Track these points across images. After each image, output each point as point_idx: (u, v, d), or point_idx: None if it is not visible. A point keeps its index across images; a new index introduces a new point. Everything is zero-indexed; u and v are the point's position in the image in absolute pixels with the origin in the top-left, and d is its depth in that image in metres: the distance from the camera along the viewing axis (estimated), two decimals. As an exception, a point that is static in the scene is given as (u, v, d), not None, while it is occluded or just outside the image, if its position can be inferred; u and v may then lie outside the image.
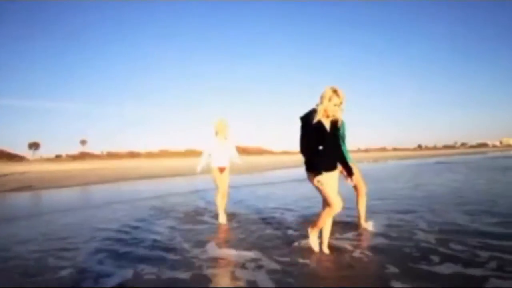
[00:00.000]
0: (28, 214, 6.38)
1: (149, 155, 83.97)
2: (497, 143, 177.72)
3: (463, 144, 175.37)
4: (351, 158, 3.93)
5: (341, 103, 2.95)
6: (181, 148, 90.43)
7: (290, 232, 4.15)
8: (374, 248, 3.33)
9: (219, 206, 5.06)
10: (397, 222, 4.41)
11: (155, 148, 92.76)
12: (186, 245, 3.68)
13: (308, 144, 3.00)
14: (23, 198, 9.58)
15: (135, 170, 23.17)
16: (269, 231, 4.23)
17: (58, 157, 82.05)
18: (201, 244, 3.72)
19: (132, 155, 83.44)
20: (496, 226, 4.00)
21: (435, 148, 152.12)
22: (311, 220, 4.78)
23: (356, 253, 3.17)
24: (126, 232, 4.43)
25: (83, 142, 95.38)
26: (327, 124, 3.03)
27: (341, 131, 3.91)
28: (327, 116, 3.00)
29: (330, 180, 3.04)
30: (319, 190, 3.01)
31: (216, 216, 5.13)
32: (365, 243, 3.51)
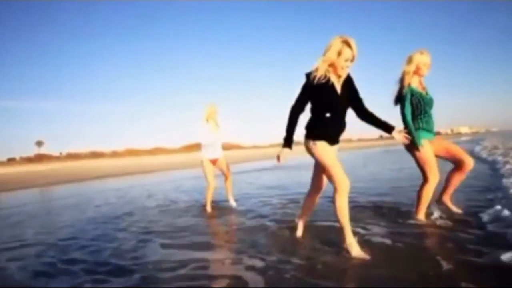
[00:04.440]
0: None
1: (114, 154, 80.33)
2: (449, 131, 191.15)
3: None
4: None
5: (354, 57, 2.26)
6: (148, 146, 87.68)
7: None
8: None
9: (208, 200, 4.57)
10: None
11: (120, 147, 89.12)
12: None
13: (298, 112, 2.40)
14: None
15: (97, 170, 21.76)
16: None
17: (10, 161, 76.13)
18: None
19: (95, 155, 79.38)
20: None
21: (393, 137, 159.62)
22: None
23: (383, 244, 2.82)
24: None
25: (39, 143, 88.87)
26: (337, 85, 2.38)
27: (429, 97, 3.00)
28: (339, 76, 2.35)
29: (333, 155, 2.43)
30: (320, 161, 2.36)
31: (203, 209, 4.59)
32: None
